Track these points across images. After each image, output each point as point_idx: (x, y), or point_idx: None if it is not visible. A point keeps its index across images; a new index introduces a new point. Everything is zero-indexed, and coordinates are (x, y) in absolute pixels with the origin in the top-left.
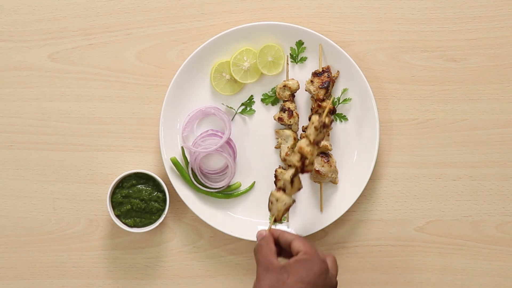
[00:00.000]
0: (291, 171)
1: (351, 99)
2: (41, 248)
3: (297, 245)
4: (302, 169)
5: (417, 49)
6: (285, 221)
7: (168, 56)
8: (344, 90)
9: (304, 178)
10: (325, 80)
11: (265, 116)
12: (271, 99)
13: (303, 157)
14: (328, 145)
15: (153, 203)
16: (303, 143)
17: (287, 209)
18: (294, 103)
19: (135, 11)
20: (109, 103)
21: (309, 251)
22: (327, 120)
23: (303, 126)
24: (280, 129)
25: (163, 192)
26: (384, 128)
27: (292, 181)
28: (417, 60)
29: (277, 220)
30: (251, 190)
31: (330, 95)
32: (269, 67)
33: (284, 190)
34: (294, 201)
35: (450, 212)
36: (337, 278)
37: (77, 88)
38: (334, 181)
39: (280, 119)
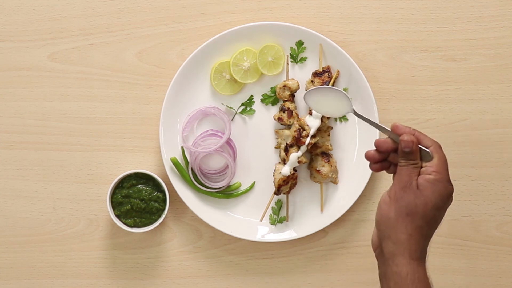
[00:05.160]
0: (288, 141)
1: (351, 99)
2: (41, 248)
3: (434, 159)
4: (298, 139)
5: (417, 49)
6: (285, 221)
7: (168, 56)
8: (344, 90)
9: (305, 178)
10: (326, 80)
11: (265, 116)
12: (271, 99)
13: (300, 128)
14: (329, 145)
15: (153, 203)
16: (304, 117)
17: (283, 180)
18: (294, 103)
19: (135, 11)
20: (109, 103)
21: (441, 171)
22: None
23: None
24: (280, 129)
25: (163, 192)
26: None
27: (286, 150)
28: (417, 60)
29: (275, 192)
30: (251, 190)
31: None
32: (269, 67)
33: (284, 162)
34: (292, 172)
35: (450, 212)
36: (338, 278)
37: (77, 88)
38: (334, 181)
39: (280, 119)
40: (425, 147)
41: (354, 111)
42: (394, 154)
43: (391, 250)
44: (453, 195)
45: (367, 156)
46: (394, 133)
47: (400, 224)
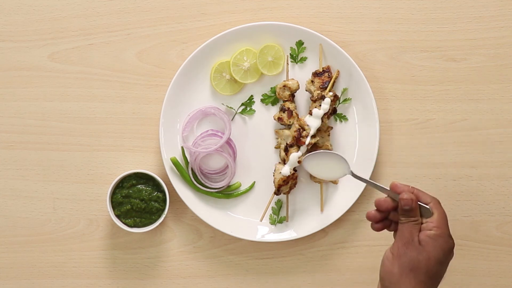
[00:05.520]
0: (288, 141)
1: (351, 99)
2: (41, 248)
3: (434, 215)
4: (298, 139)
5: (417, 49)
6: (285, 221)
7: (168, 56)
8: (344, 90)
9: (305, 178)
10: (326, 80)
11: (265, 116)
12: (271, 99)
13: (300, 128)
14: (329, 145)
15: (153, 203)
16: (304, 117)
17: (283, 180)
18: (294, 103)
19: (135, 11)
20: (109, 103)
21: (442, 226)
22: (329, 95)
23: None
24: (280, 129)
25: (163, 192)
26: (384, 128)
27: (286, 150)
28: (417, 60)
29: (275, 192)
30: (251, 190)
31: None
32: (269, 67)
33: (284, 162)
34: (292, 172)
35: (450, 212)
36: (338, 278)
37: (77, 88)
38: (334, 181)
39: (280, 119)
40: (425, 204)
41: (352, 173)
42: (394, 213)
43: None
44: (453, 195)
45: (368, 217)
46: (393, 191)
47: (404, 280)
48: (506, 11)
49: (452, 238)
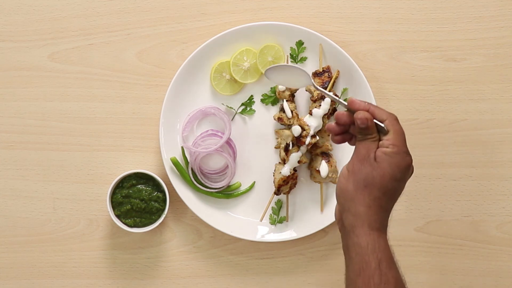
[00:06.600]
0: (288, 140)
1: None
2: (41, 248)
3: (389, 132)
4: (298, 139)
5: (417, 49)
6: (285, 221)
7: (168, 56)
8: (344, 90)
9: (305, 178)
10: (326, 80)
11: (265, 116)
12: (271, 99)
13: (300, 128)
14: (329, 145)
15: (153, 203)
16: (304, 116)
17: (283, 180)
18: (294, 103)
19: (135, 11)
20: (109, 103)
21: (397, 143)
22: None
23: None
24: (280, 129)
25: (163, 192)
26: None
27: (286, 149)
28: (417, 60)
29: (275, 192)
30: (251, 190)
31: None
32: None
33: (284, 162)
34: (292, 172)
35: (450, 212)
36: (338, 278)
37: (77, 88)
38: (334, 181)
39: (280, 119)
40: (380, 121)
41: (313, 84)
42: (354, 126)
43: (351, 222)
44: (453, 195)
45: (328, 128)
46: (351, 108)
47: (358, 196)
48: (506, 11)
49: (409, 155)
